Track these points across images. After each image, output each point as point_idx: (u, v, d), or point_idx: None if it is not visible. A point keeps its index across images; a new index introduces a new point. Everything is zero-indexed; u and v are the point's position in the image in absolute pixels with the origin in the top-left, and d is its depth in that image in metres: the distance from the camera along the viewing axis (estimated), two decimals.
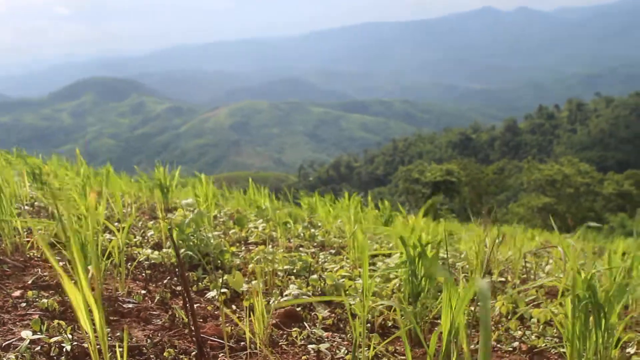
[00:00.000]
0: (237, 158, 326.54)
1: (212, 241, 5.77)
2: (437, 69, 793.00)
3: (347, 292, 4.97)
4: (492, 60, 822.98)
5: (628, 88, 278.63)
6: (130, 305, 4.20)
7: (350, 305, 4.41)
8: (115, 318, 3.98)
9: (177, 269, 5.31)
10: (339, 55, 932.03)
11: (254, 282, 4.92)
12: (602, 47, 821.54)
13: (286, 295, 4.65)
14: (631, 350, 4.09)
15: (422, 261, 4.15)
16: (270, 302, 4.39)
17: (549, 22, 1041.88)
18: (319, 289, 5.02)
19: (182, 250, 5.53)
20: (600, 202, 76.37)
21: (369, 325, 4.36)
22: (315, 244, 7.48)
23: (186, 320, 3.86)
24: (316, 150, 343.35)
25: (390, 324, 4.47)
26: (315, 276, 5.22)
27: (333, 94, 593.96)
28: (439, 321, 4.75)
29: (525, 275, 6.48)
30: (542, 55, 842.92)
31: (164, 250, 5.71)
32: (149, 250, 5.56)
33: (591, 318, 3.30)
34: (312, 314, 4.48)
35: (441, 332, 3.04)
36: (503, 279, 5.93)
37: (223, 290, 4.68)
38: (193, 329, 3.29)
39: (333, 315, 4.50)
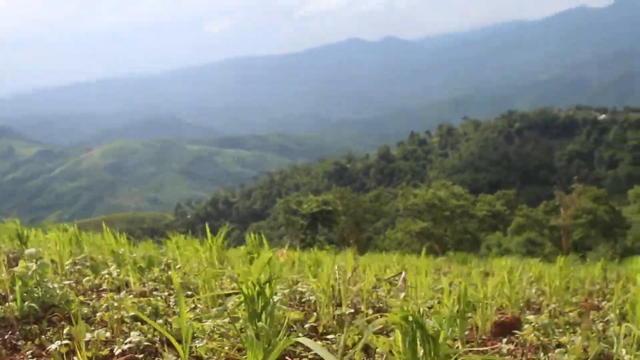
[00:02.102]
0: (113, 200, 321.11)
1: (57, 292, 5.58)
2: (309, 101, 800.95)
3: (196, 334, 4.87)
4: (362, 90, 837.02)
5: (494, 111, 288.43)
6: None
7: (197, 347, 4.33)
8: None
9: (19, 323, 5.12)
10: (210, 92, 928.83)
11: (96, 331, 4.76)
12: (467, 73, 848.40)
13: (127, 343, 4.52)
14: None
15: (261, 300, 4.10)
16: (114, 351, 4.26)
17: (415, 51, 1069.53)
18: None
19: (26, 303, 5.33)
20: (474, 223, 78.17)
21: None
22: (172, 286, 7.33)
23: None
24: (193, 188, 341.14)
25: None
26: (161, 321, 5.10)
27: (207, 130, 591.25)
28: (287, 358, 4.71)
29: (381, 304, 6.52)
30: (410, 82, 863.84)
31: (7, 303, 5.50)
32: None
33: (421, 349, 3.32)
34: (156, 359, 4.37)
35: None
36: (352, 310, 5.93)
37: (66, 342, 4.52)
38: None
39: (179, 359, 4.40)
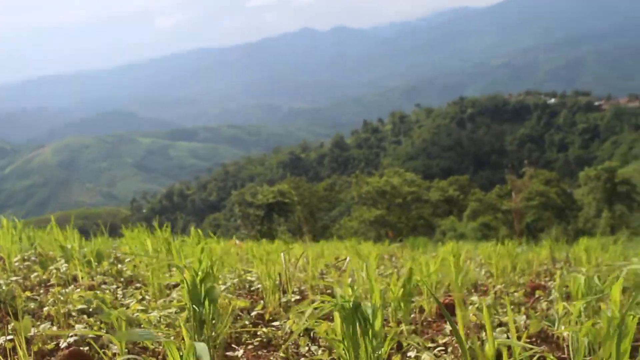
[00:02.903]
0: (67, 196, 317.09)
1: (3, 287, 5.55)
2: (261, 91, 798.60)
3: (142, 325, 4.87)
4: (315, 80, 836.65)
5: (445, 98, 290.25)
6: None
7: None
8: None
9: None
10: (163, 85, 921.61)
11: (42, 325, 4.75)
12: (418, 60, 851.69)
13: (73, 336, 4.51)
14: (412, 354, 4.21)
15: (203, 288, 4.12)
16: (61, 344, 4.25)
17: (366, 40, 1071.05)
18: (111, 326, 4.91)
19: None
20: (428, 209, 78.61)
21: (162, 358, 4.30)
22: (122, 279, 7.32)
23: None
24: (147, 181, 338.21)
25: None
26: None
27: (159, 123, 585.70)
28: (233, 346, 4.74)
29: (329, 291, 6.56)
30: (362, 71, 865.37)
31: None
32: None
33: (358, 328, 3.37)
34: (103, 351, 4.36)
35: None
36: (299, 297, 5.97)
37: (10, 337, 4.49)
38: None
39: (126, 350, 4.40)
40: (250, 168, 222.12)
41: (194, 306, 4.16)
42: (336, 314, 3.46)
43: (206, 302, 4.17)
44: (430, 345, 4.37)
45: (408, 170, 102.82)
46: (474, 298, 6.00)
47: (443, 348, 4.32)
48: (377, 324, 3.46)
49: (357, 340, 3.42)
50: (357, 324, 3.38)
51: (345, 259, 6.02)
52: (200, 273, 4.12)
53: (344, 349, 3.46)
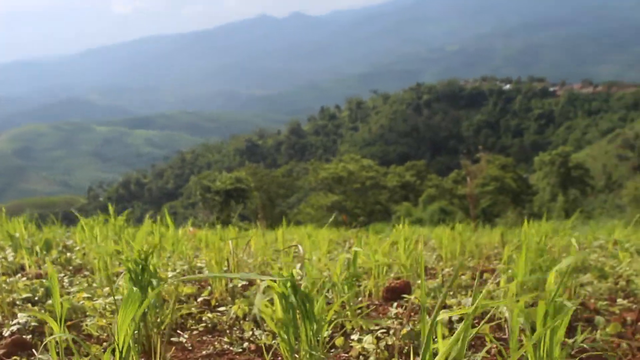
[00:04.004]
0: (23, 185, 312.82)
1: None
2: (219, 78, 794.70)
3: (88, 313, 4.85)
4: (273, 66, 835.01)
5: (402, 84, 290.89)
6: None
7: (87, 325, 4.32)
8: None
9: None
10: (119, 72, 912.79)
11: None
12: (375, 47, 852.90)
13: (15, 324, 4.47)
14: (355, 337, 4.24)
15: (145, 274, 4.10)
16: (3, 333, 4.22)
17: (324, 26, 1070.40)
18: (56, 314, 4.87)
19: None
20: (385, 195, 78.96)
21: (106, 344, 4.28)
22: (71, 267, 7.28)
23: None
24: (104, 170, 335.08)
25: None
26: (50, 301, 5.06)
27: (116, 111, 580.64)
28: (178, 332, 4.73)
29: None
30: (320, 58, 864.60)
31: None
32: None
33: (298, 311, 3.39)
34: (44, 339, 4.34)
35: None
36: (246, 282, 5.97)
37: None
38: None
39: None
40: (207, 155, 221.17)
41: (134, 291, 4.14)
42: (276, 298, 3.47)
43: (149, 289, 4.16)
44: (374, 328, 4.40)
45: (365, 156, 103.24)
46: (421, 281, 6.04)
47: (386, 330, 4.36)
48: (317, 307, 3.48)
49: (296, 324, 3.43)
50: (297, 308, 3.40)
51: (295, 245, 6.02)
52: (142, 260, 4.10)
53: (284, 333, 3.48)
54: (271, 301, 3.61)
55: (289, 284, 3.35)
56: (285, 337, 3.45)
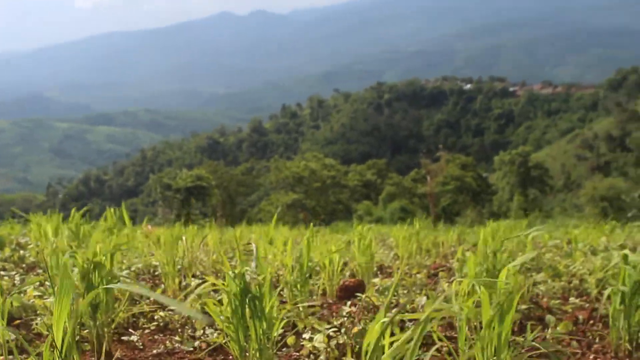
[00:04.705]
0: None
1: None
2: (180, 76, 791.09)
3: (38, 312, 4.79)
4: (234, 64, 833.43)
5: (363, 83, 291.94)
6: None
7: (37, 324, 4.27)
8: None
9: None
10: (79, 68, 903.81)
11: None
12: (337, 46, 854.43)
13: None
14: (306, 335, 4.23)
15: (98, 273, 4.06)
16: None
17: (285, 24, 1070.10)
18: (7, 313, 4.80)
19: None
20: (346, 193, 79.11)
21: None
22: (24, 265, 7.19)
23: None
24: (64, 167, 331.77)
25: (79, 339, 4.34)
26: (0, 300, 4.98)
27: (77, 108, 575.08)
28: (130, 331, 4.69)
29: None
30: (282, 56, 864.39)
31: None
32: None
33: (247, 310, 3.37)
34: None
35: None
36: (200, 280, 5.94)
37: None
38: None
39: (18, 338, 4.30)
40: (168, 153, 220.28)
41: (87, 291, 4.10)
42: (224, 296, 3.46)
43: (101, 287, 4.12)
44: (325, 326, 4.39)
45: (327, 154, 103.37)
46: (376, 280, 6.06)
47: (337, 329, 4.35)
48: (267, 305, 3.46)
49: (245, 323, 3.42)
50: (247, 306, 3.38)
51: (249, 243, 6.01)
52: (92, 257, 4.06)
53: (233, 331, 3.46)
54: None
55: (238, 283, 3.33)
56: (235, 335, 3.44)
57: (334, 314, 5.04)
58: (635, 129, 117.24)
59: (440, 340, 3.35)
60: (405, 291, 5.86)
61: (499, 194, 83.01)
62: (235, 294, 3.36)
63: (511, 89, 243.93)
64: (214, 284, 3.55)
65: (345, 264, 6.80)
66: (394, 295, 5.53)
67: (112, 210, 9.35)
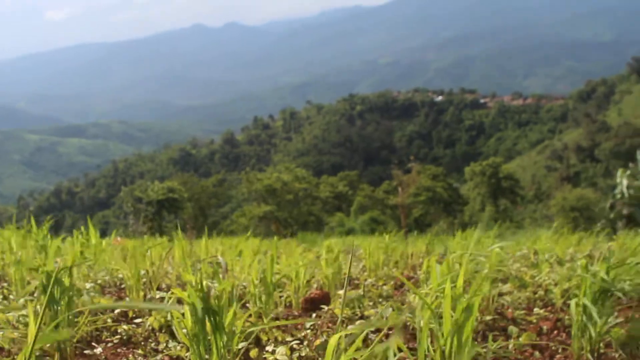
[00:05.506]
0: None
1: None
2: (153, 88, 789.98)
3: (0, 326, 4.76)
4: (207, 76, 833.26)
5: (337, 95, 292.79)
6: None
7: None
8: None
9: None
10: (50, 79, 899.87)
11: None
12: (309, 58, 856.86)
13: None
14: (269, 347, 4.24)
15: (58, 287, 4.04)
16: None
17: (259, 36, 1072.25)
18: None
19: None
20: (318, 205, 79.12)
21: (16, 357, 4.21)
22: None
23: None
24: (35, 179, 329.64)
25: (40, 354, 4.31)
26: None
27: (48, 120, 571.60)
28: (93, 344, 4.67)
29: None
30: (256, 68, 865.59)
31: None
32: None
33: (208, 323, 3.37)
34: None
35: None
36: (165, 294, 5.92)
37: None
38: None
39: None
40: (140, 165, 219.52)
41: (48, 305, 4.08)
42: (186, 309, 3.46)
43: (63, 301, 4.10)
44: (288, 339, 4.40)
45: (299, 166, 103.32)
46: (341, 292, 6.06)
47: (300, 341, 4.36)
48: (228, 318, 3.47)
49: (205, 336, 3.42)
50: (207, 319, 3.38)
51: (216, 256, 5.99)
52: (54, 271, 4.04)
53: (194, 345, 3.46)
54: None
55: (198, 296, 3.34)
56: (196, 348, 3.44)
57: (298, 326, 5.05)
58: (604, 140, 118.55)
59: (400, 350, 3.37)
60: (372, 303, 5.87)
61: (470, 205, 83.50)
62: (195, 306, 3.37)
63: (482, 101, 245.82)
64: (178, 297, 3.56)
65: (313, 276, 6.81)
66: (359, 307, 5.54)
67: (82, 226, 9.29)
